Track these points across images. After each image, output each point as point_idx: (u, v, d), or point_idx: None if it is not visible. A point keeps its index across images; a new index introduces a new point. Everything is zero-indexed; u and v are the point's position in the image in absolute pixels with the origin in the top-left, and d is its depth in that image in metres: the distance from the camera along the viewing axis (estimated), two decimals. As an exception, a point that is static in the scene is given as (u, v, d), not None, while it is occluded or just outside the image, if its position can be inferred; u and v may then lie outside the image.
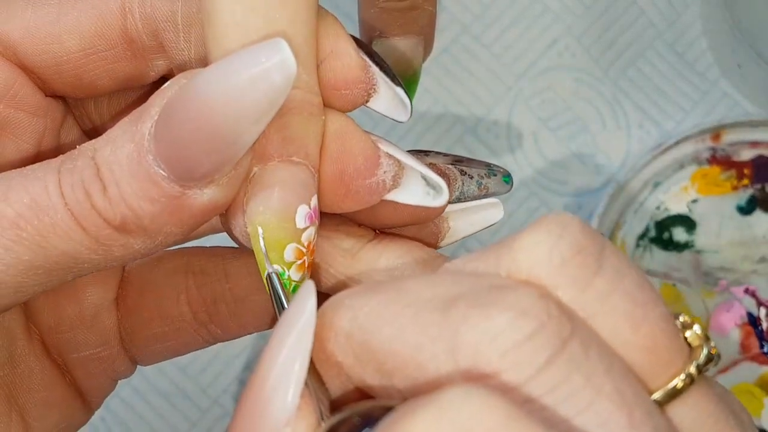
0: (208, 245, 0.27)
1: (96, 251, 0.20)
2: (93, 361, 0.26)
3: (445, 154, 0.25)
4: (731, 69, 0.47)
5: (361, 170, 0.22)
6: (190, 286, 0.26)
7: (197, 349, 0.27)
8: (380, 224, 0.24)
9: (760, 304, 0.45)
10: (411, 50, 0.39)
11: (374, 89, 0.22)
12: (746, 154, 0.46)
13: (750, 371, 0.44)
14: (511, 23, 0.48)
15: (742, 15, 0.44)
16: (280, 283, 0.21)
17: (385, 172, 0.22)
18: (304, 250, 0.21)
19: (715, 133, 0.46)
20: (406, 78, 0.40)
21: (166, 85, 0.20)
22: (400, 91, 0.23)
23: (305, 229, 0.21)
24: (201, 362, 0.46)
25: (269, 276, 0.21)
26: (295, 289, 0.21)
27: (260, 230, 0.21)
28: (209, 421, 0.46)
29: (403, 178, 0.22)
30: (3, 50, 0.22)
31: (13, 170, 0.21)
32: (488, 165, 0.25)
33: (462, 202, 0.25)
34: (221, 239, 0.27)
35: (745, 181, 0.46)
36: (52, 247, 0.20)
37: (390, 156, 0.22)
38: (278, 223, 0.21)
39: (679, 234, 0.46)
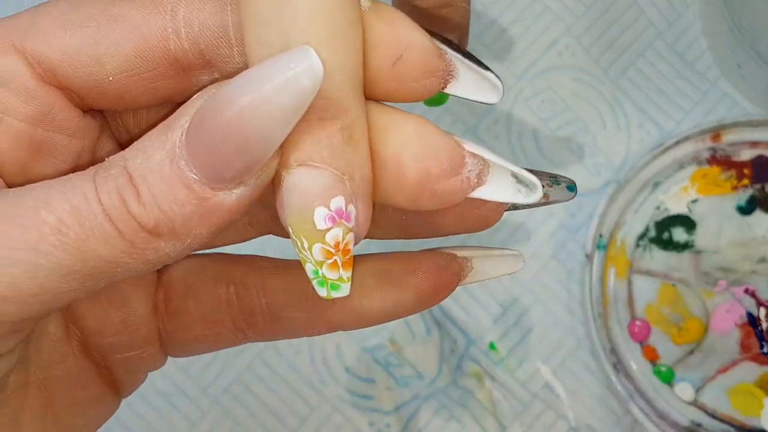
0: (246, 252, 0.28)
1: (131, 255, 0.21)
2: (134, 360, 0.27)
3: None
4: (731, 69, 0.47)
5: (447, 171, 0.22)
6: (231, 296, 0.27)
7: (231, 347, 0.28)
8: (442, 230, 0.25)
9: (760, 304, 0.45)
10: None
11: (452, 75, 0.23)
12: (746, 154, 0.46)
13: (750, 371, 0.44)
14: (511, 23, 0.48)
15: (742, 15, 0.44)
16: None
17: (470, 170, 0.22)
18: (332, 250, 0.22)
19: (715, 133, 0.46)
20: None
21: (195, 96, 0.21)
22: (489, 74, 0.24)
23: (328, 229, 0.21)
24: (201, 362, 0.46)
25: None
26: (333, 287, 0.22)
27: (290, 230, 0.22)
28: (209, 421, 0.46)
29: (490, 176, 0.23)
30: (42, 73, 0.22)
31: (49, 180, 0.21)
32: (553, 176, 0.26)
33: (519, 209, 0.25)
34: (255, 247, 0.28)
35: (745, 181, 0.46)
36: (91, 251, 0.21)
37: (475, 155, 0.23)
38: (299, 224, 0.22)
39: (679, 234, 0.46)
